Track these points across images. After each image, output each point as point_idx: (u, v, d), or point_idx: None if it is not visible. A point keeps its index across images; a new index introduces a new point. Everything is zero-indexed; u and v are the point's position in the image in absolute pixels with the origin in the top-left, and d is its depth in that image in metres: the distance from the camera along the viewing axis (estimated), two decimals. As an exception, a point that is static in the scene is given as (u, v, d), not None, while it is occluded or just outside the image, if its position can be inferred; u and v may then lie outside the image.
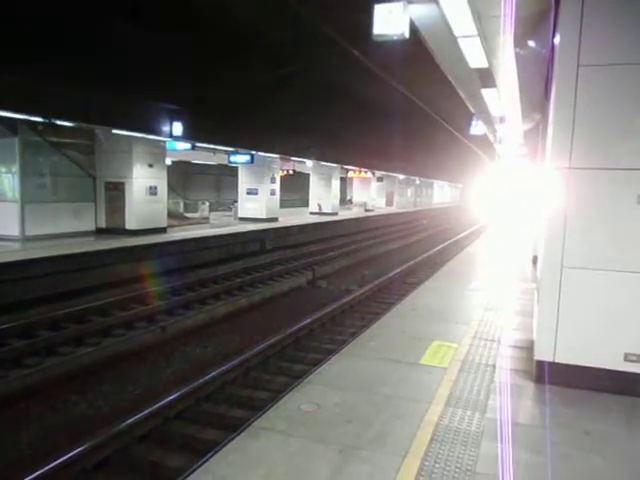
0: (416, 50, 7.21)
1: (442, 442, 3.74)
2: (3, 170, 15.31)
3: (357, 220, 30.72)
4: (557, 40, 4.85)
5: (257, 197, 25.16)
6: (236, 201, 26.43)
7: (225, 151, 22.21)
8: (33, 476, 4.53)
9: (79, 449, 4.91)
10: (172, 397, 6.08)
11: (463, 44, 6.27)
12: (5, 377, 7.00)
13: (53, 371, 7.30)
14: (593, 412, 4.32)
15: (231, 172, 30.05)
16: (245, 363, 7.39)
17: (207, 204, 25.69)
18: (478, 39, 6.02)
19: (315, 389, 4.68)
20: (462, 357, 5.59)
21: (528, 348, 5.64)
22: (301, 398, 4.47)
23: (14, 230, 14.78)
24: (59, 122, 13.71)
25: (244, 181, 25.52)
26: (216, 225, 21.92)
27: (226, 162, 23.99)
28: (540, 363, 4.87)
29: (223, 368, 7.02)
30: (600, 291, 4.64)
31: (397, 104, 17.83)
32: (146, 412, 5.68)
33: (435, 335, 6.40)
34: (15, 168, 14.95)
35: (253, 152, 21.79)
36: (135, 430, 5.47)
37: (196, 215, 24.91)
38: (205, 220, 23.60)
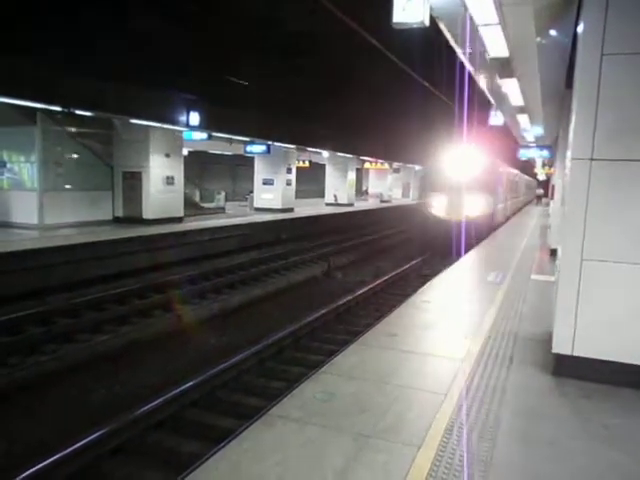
0: (436, 39, 7.12)
1: (458, 433, 3.72)
2: (22, 159, 15.50)
3: (373, 211, 30.64)
4: (580, 29, 4.75)
5: (273, 187, 25.19)
6: (252, 191, 26.47)
7: (241, 141, 22.25)
8: (48, 462, 4.61)
9: (96, 434, 5.00)
10: (188, 385, 6.15)
11: (484, 33, 6.17)
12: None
13: (68, 358, 7.44)
14: (612, 406, 4.26)
15: (247, 162, 30.08)
16: (260, 353, 7.44)
17: (223, 194, 25.75)
18: (499, 27, 5.92)
19: (330, 379, 4.68)
20: (478, 349, 5.55)
21: (546, 341, 5.57)
22: (316, 387, 4.47)
23: (33, 219, 14.98)
24: (77, 111, 13.81)
25: (260, 171, 25.55)
26: (232, 215, 22.01)
27: (242, 152, 24.03)
28: (558, 356, 4.81)
29: (238, 357, 7.07)
30: (620, 284, 4.56)
31: (415, 93, 17.72)
32: (162, 399, 5.76)
33: (450, 327, 6.37)
34: (34, 157, 15.13)
35: (269, 142, 21.79)
36: (151, 417, 5.54)
37: (212, 205, 25.00)
38: (221, 210, 23.69)
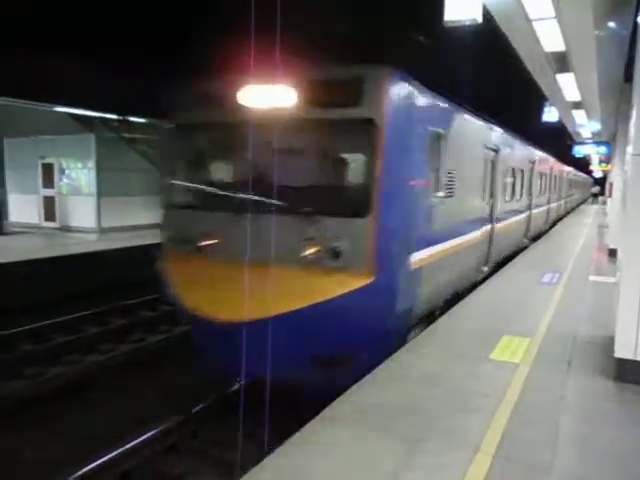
0: (489, 34, 6.94)
1: (515, 440, 3.60)
2: (79, 166, 16.12)
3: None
4: (641, 19, 4.56)
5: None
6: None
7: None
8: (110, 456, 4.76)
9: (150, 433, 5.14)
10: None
11: (538, 27, 5.99)
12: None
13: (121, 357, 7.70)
14: (679, 414, 4.06)
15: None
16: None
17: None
18: (555, 21, 5.73)
19: (378, 382, 4.63)
20: (534, 352, 5.38)
21: (606, 345, 5.35)
22: (364, 390, 4.43)
23: (90, 222, 15.57)
24: (131, 118, 14.22)
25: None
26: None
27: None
28: (620, 361, 4.61)
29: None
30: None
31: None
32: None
33: (505, 329, 6.18)
34: (91, 163, 15.70)
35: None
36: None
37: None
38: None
